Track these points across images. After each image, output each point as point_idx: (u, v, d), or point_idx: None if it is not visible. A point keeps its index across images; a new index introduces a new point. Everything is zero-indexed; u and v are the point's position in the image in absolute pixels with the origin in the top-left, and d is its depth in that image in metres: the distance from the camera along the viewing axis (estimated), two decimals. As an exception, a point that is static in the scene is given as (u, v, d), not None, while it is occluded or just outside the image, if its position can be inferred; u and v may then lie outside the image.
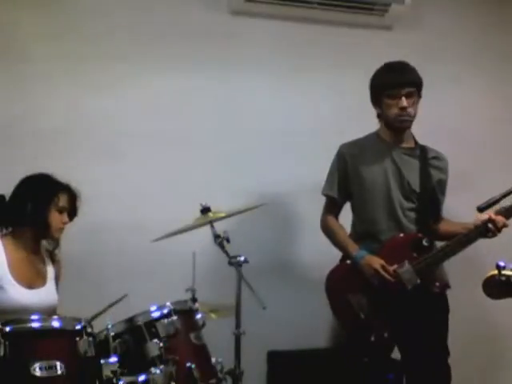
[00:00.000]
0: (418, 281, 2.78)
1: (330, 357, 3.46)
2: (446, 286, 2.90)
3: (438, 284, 2.84)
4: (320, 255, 3.23)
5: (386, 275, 2.80)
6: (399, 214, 2.91)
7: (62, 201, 2.71)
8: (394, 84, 2.89)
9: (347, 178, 3.02)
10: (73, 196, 2.75)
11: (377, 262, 2.83)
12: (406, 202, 2.92)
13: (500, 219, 2.75)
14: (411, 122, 2.97)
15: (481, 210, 2.72)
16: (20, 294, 2.59)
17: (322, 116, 3.65)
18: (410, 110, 2.91)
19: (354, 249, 2.95)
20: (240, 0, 3.51)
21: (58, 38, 3.36)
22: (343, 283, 2.97)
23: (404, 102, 2.88)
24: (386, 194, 2.92)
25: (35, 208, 2.65)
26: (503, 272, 2.34)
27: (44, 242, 2.81)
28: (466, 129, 3.82)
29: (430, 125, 3.61)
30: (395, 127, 2.96)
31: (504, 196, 2.73)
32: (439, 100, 3.65)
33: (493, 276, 2.47)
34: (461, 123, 3.81)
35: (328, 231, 3.10)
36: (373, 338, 2.81)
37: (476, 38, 3.90)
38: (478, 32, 3.91)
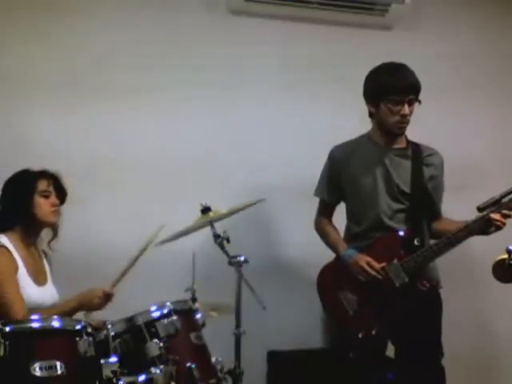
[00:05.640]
0: (406, 279, 2.76)
1: (329, 357, 3.46)
2: (437, 284, 2.88)
3: (425, 282, 2.81)
4: (320, 255, 3.21)
5: (372, 271, 2.80)
6: (387, 216, 2.89)
7: (42, 185, 2.67)
8: (399, 90, 2.80)
9: (338, 180, 3.01)
10: (53, 178, 2.71)
11: (363, 260, 2.83)
12: (395, 204, 2.89)
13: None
14: (406, 127, 2.93)
15: (481, 210, 2.73)
16: (32, 292, 2.60)
17: (321, 114, 3.64)
18: (409, 117, 2.86)
19: (343, 248, 2.97)
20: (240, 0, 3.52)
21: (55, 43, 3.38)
22: (334, 280, 2.98)
23: (406, 109, 2.82)
24: (374, 196, 2.90)
25: (17, 204, 2.63)
26: None
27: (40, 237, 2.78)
28: (466, 128, 3.82)
29: (429, 124, 3.61)
30: (392, 133, 2.91)
31: (503, 196, 2.74)
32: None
33: (502, 260, 2.47)
34: (461, 123, 3.81)
35: (320, 232, 3.13)
36: (360, 335, 2.81)
37: (476, 38, 3.89)
38: (478, 32, 3.91)
